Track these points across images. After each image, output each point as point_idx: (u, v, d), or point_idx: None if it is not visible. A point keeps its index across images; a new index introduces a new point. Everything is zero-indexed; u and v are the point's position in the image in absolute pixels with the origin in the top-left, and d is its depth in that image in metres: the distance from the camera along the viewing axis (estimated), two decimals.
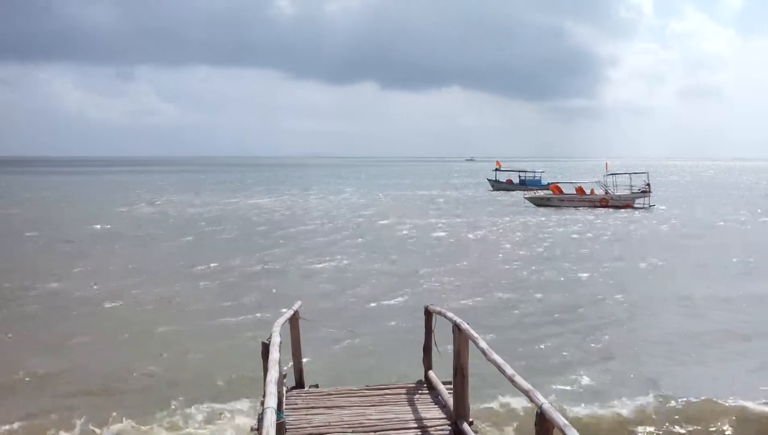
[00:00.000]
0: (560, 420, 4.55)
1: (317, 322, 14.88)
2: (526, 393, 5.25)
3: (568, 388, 11.42)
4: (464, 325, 7.26)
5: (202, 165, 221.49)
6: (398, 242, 30.44)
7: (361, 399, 8.55)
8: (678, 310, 17.66)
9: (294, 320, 9.27)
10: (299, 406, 8.30)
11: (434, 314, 9.10)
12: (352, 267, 23.87)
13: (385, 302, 18.28)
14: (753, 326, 15.63)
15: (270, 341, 6.85)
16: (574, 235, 32.70)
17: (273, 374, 5.58)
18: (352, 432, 7.36)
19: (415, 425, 7.57)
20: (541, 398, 4.97)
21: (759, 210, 46.35)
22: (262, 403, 5.91)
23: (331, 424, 7.61)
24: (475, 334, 6.98)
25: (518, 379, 5.55)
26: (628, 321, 16.52)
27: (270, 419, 4.41)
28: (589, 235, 32.10)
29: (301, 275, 22.48)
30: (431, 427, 7.51)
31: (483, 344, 6.66)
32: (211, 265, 23.81)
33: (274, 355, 6.27)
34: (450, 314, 7.98)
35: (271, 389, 5.11)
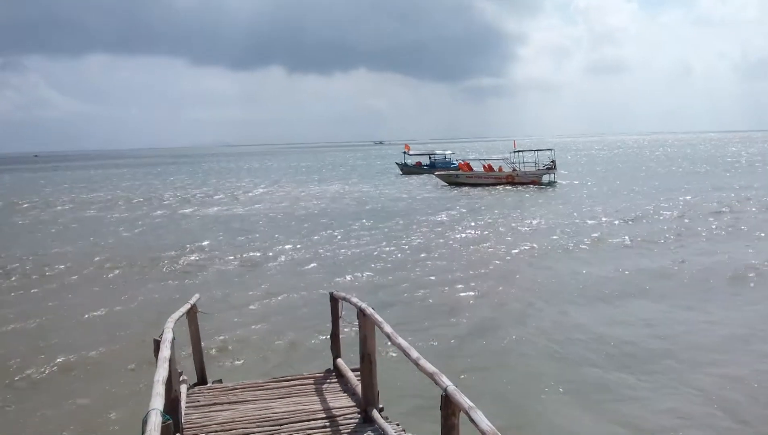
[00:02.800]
0: (465, 402, 4.41)
1: (218, 315, 14.37)
2: (430, 376, 5.11)
3: None
4: (369, 310, 7.06)
5: (100, 159, 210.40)
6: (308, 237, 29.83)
7: (267, 392, 8.24)
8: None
9: (192, 314, 8.82)
10: (201, 403, 7.89)
11: (340, 301, 8.88)
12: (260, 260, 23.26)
13: (292, 294, 17.76)
14: None
15: (162, 338, 6.41)
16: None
17: (161, 373, 5.18)
18: (257, 426, 7.05)
19: (324, 415, 7.35)
20: (446, 381, 4.83)
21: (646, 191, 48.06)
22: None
23: (235, 419, 7.27)
24: (380, 319, 6.80)
25: (423, 362, 5.40)
26: None
27: (154, 422, 4.04)
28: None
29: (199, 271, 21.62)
30: (340, 416, 7.31)
31: (388, 329, 6.49)
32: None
33: (164, 352, 5.85)
34: (355, 299, 7.76)
35: (158, 389, 4.71)
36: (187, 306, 8.64)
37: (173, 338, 6.53)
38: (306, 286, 18.34)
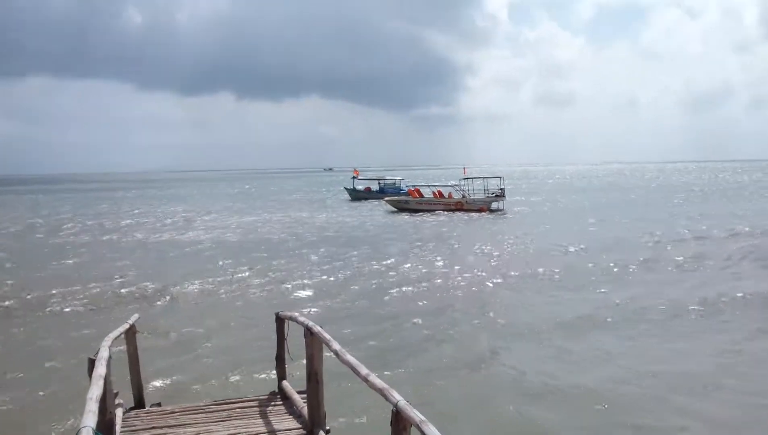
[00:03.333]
0: (416, 416, 4.25)
1: (160, 336, 13.86)
2: (380, 392, 4.93)
3: None
4: (316, 328, 6.87)
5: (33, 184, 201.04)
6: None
7: (208, 415, 7.90)
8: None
9: (130, 335, 8.42)
10: (138, 427, 7.49)
11: (286, 320, 8.63)
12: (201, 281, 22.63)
13: (242, 318, 17.23)
14: None
15: (97, 356, 6.06)
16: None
17: (95, 391, 4.85)
18: None
19: None
20: (396, 396, 4.66)
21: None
22: None
23: None
24: (328, 336, 6.61)
25: (373, 378, 5.23)
26: None
27: None
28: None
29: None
30: None
31: (336, 346, 6.29)
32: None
33: (99, 370, 5.51)
34: (301, 318, 7.57)
35: (91, 407, 4.38)
36: (126, 325, 8.26)
37: (110, 357, 6.19)
38: (255, 311, 17.73)
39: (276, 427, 7.37)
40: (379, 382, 5.09)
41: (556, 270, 23.75)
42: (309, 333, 6.95)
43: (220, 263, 27.03)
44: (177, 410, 8.19)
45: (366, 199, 71.06)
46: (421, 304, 18.83)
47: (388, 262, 26.54)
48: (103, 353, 6.11)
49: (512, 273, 23.44)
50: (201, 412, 8.02)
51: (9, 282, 23.02)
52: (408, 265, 25.61)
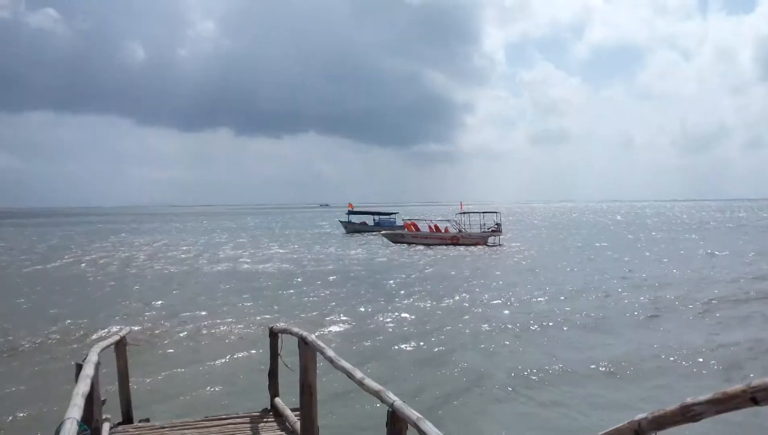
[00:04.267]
0: (413, 414, 4.12)
1: (150, 348, 13.62)
2: (376, 394, 4.79)
3: None
4: (311, 338, 6.72)
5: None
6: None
7: (199, 432, 7.68)
8: None
9: (120, 347, 8.23)
10: None
11: (280, 335, 8.45)
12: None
13: (232, 327, 16.95)
14: None
15: (85, 360, 5.88)
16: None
17: (81, 387, 4.66)
18: None
19: None
20: (392, 396, 4.53)
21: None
22: None
23: None
24: (322, 345, 6.46)
25: (368, 381, 5.09)
26: None
27: (68, 430, 3.55)
28: None
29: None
30: None
31: (330, 353, 6.14)
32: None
33: (87, 370, 5.34)
34: (296, 329, 7.41)
35: (77, 401, 4.20)
36: (116, 337, 8.07)
37: (98, 362, 6.02)
38: (256, 337, 17.02)
39: None
40: (374, 384, 4.96)
41: (561, 309, 22.28)
42: (303, 343, 6.79)
43: (233, 297, 26.14)
44: (166, 426, 7.97)
45: (361, 232, 71.34)
46: (431, 342, 17.64)
47: (395, 299, 25.29)
48: (92, 357, 5.96)
49: (515, 311, 22.16)
50: (191, 428, 7.80)
51: (16, 315, 22.55)
52: (411, 300, 24.71)
